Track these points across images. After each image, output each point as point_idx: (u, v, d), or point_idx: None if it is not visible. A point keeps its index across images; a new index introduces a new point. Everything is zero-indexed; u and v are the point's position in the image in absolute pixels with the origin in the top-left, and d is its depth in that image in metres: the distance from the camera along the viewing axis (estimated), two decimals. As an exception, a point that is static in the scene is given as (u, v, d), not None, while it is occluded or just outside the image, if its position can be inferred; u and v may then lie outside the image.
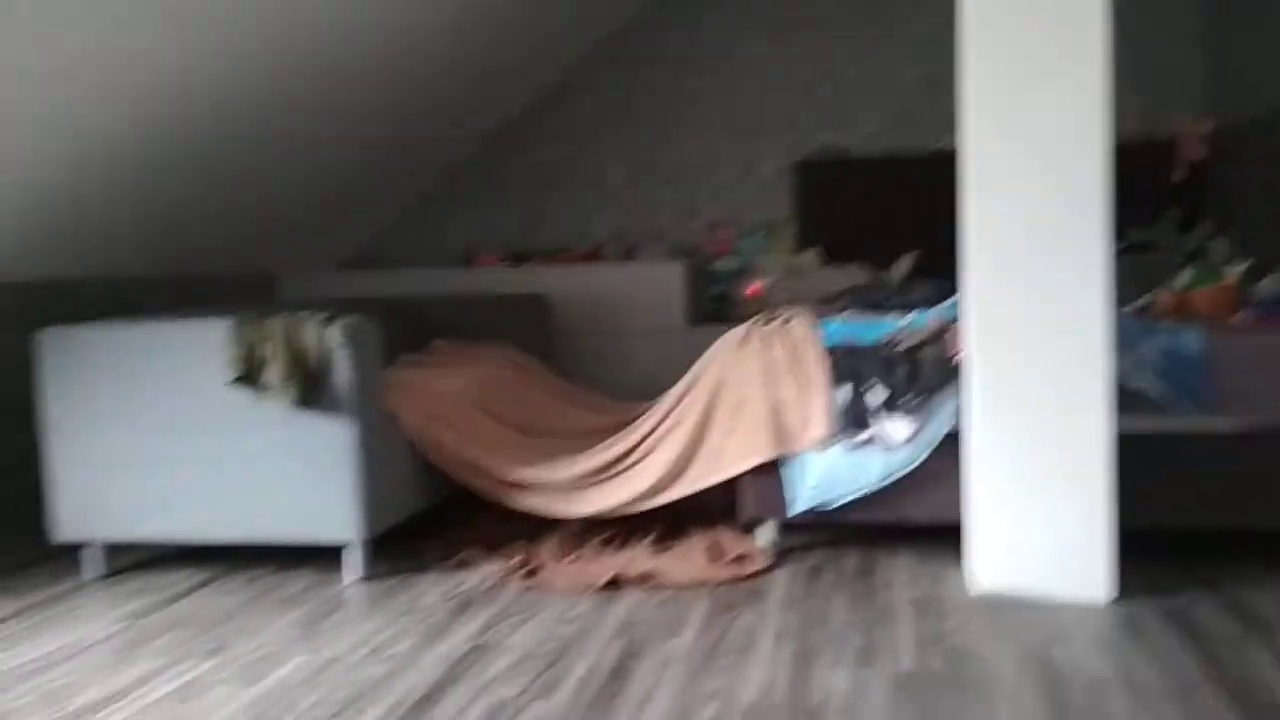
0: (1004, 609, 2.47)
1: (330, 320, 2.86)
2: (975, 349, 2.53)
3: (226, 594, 2.85)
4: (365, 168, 4.83)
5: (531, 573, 2.89)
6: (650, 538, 3.11)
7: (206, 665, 2.33)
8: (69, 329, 2.96)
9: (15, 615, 2.73)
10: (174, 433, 2.91)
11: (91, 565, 3.04)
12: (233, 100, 3.53)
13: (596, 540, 3.11)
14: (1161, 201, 4.43)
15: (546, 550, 3.05)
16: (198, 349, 2.88)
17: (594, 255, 5.23)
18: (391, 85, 4.24)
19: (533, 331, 4.58)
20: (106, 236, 3.80)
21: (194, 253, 4.43)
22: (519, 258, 5.25)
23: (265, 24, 3.25)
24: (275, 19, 3.26)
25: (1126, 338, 2.68)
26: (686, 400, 3.06)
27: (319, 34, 3.51)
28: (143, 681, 2.26)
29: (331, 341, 2.83)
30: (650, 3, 5.33)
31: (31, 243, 3.49)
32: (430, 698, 2.10)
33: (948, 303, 2.89)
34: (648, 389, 4.62)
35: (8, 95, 2.77)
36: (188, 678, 2.27)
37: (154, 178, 3.64)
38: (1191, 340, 2.69)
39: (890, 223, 4.96)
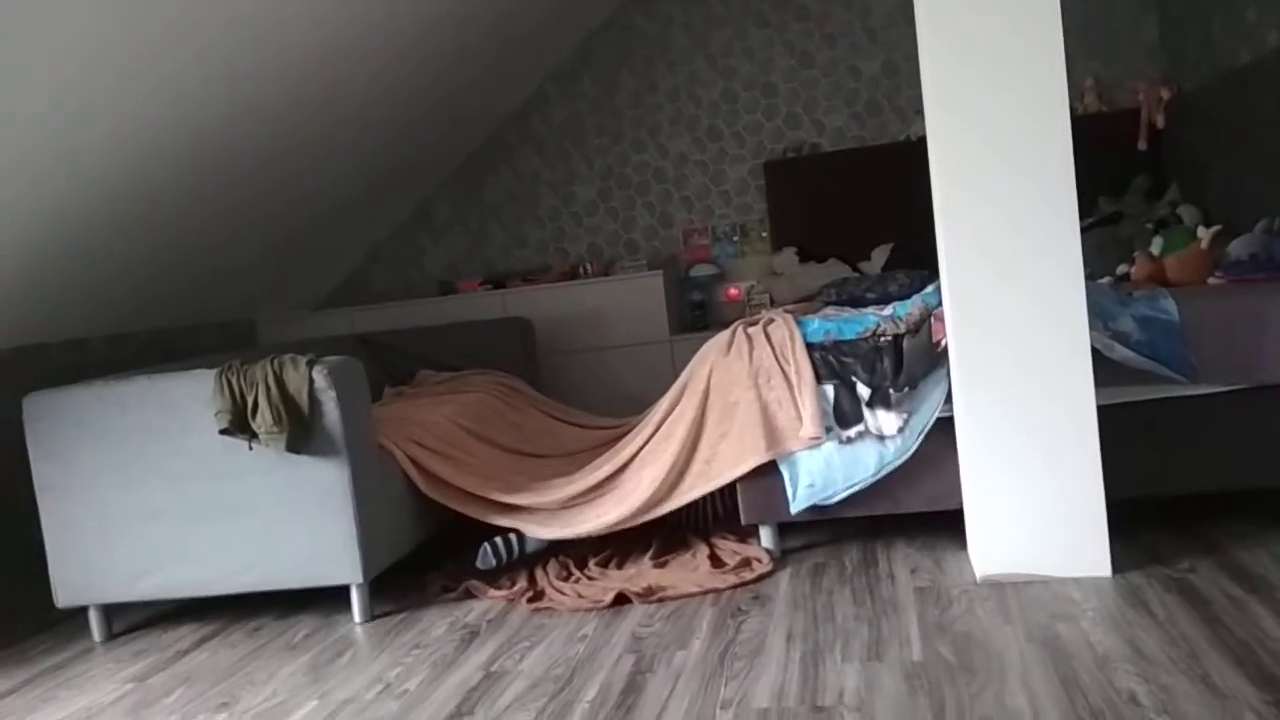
0: (1007, 591, 2.48)
1: (314, 361, 2.86)
2: (955, 334, 2.55)
3: (230, 646, 2.84)
4: (339, 204, 4.83)
5: (535, 597, 2.89)
6: (651, 551, 3.12)
7: None
8: (54, 391, 2.95)
9: (25, 684, 2.72)
10: (166, 488, 2.90)
11: (96, 628, 3.03)
12: (198, 148, 3.53)
13: (598, 558, 3.12)
14: (1128, 171, 4.46)
15: (548, 573, 3.05)
16: (184, 402, 2.87)
17: (572, 273, 5.24)
18: (360, 118, 4.25)
19: (517, 355, 4.59)
20: (83, 298, 3.79)
21: (170, 306, 4.43)
22: (497, 282, 5.26)
23: (224, 74, 3.25)
24: (237, 65, 3.26)
25: (1103, 309, 2.70)
26: (676, 410, 3.07)
27: (283, 75, 3.52)
28: (156, 741, 2.25)
29: (318, 382, 2.82)
30: (614, 16, 5.36)
31: (6, 309, 3.48)
32: (445, 731, 2.10)
33: (929, 289, 2.91)
34: (637, 401, 4.64)
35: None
36: (201, 733, 2.26)
37: (127, 234, 3.63)
38: (1167, 306, 2.70)
39: (864, 216, 4.98)
